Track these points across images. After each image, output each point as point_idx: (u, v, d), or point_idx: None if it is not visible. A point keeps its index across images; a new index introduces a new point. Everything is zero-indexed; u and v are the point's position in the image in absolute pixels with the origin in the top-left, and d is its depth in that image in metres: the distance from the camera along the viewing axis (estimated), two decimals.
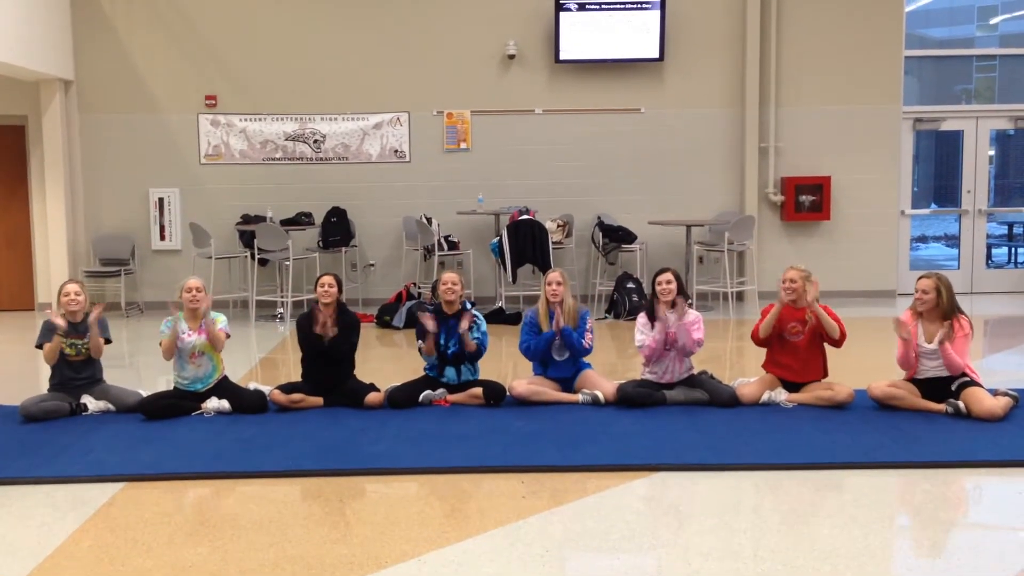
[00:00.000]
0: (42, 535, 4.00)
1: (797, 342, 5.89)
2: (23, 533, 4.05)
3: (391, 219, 10.68)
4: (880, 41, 10.67)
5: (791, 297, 5.85)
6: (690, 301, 6.48)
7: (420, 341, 6.06)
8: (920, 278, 5.73)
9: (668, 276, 5.98)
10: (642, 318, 6.07)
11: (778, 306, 5.87)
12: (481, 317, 6.15)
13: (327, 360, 6.00)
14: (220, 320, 5.97)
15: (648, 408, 5.85)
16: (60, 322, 5.76)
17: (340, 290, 6.10)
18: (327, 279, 6.05)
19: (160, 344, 5.90)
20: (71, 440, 5.31)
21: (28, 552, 3.82)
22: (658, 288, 5.98)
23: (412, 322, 9.12)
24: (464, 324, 5.95)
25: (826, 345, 5.91)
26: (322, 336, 5.94)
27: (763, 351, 6.10)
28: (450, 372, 6.08)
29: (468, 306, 6.16)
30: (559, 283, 6.09)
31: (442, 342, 6.04)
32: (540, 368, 6.23)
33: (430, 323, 5.96)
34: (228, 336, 5.99)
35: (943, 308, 5.62)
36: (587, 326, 6.15)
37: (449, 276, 6.14)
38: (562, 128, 10.72)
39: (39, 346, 5.89)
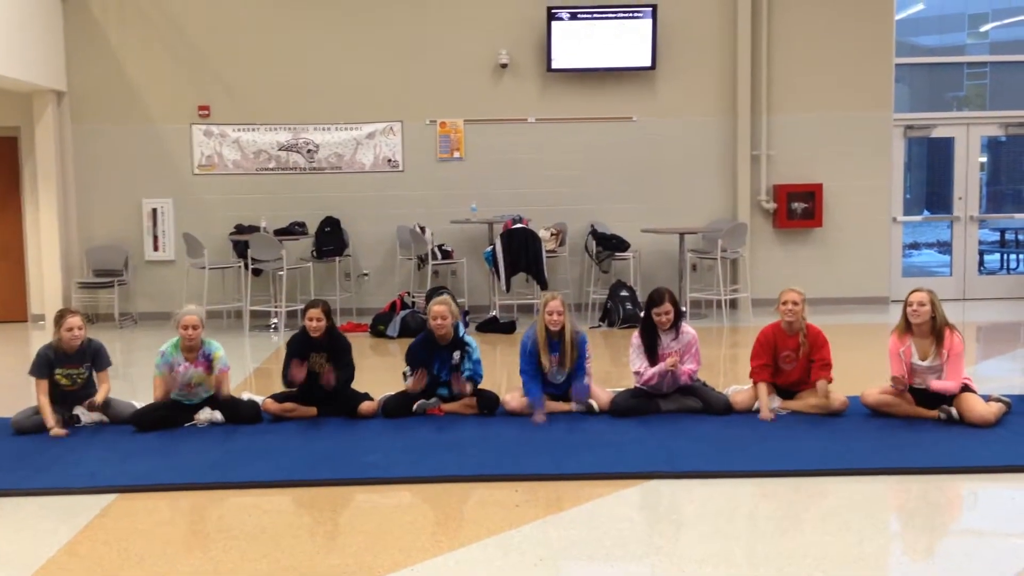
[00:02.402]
0: (35, 546, 3.98)
1: (789, 371, 5.91)
2: (16, 544, 4.04)
3: (385, 228, 10.68)
4: (871, 49, 10.72)
5: (790, 319, 5.85)
6: (683, 309, 6.47)
7: (409, 374, 6.04)
8: (913, 292, 5.73)
9: (667, 307, 5.89)
10: (636, 339, 6.02)
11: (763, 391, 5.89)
12: (474, 345, 6.06)
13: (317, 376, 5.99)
14: (218, 357, 5.85)
15: (642, 416, 5.85)
16: (60, 431, 5.64)
17: (329, 318, 6.03)
18: (315, 312, 5.93)
19: (154, 381, 5.84)
20: (64, 451, 5.30)
21: (21, 563, 3.80)
22: (657, 320, 5.91)
23: (407, 331, 9.12)
24: (457, 405, 5.97)
25: None
26: (313, 369, 5.93)
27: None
28: (442, 390, 6.07)
29: (462, 332, 6.07)
30: (560, 313, 5.95)
31: (435, 371, 6.01)
32: None
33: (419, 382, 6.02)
34: (228, 369, 5.92)
35: (935, 322, 5.62)
36: (587, 354, 6.07)
37: (438, 310, 5.95)
38: (555, 137, 10.74)
39: (32, 374, 5.82)
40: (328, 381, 5.90)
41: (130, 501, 4.54)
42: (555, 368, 6.00)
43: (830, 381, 5.83)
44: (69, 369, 5.81)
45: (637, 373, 5.98)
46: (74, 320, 5.81)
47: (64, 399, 5.84)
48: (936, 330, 5.62)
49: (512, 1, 10.58)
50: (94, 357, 5.92)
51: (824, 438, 5.31)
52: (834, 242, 10.90)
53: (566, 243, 10.49)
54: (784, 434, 5.42)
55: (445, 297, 6.16)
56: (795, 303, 5.83)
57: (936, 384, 5.58)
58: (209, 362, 5.84)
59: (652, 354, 5.94)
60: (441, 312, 5.94)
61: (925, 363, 5.66)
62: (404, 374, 6.09)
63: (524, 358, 6.01)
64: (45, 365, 5.77)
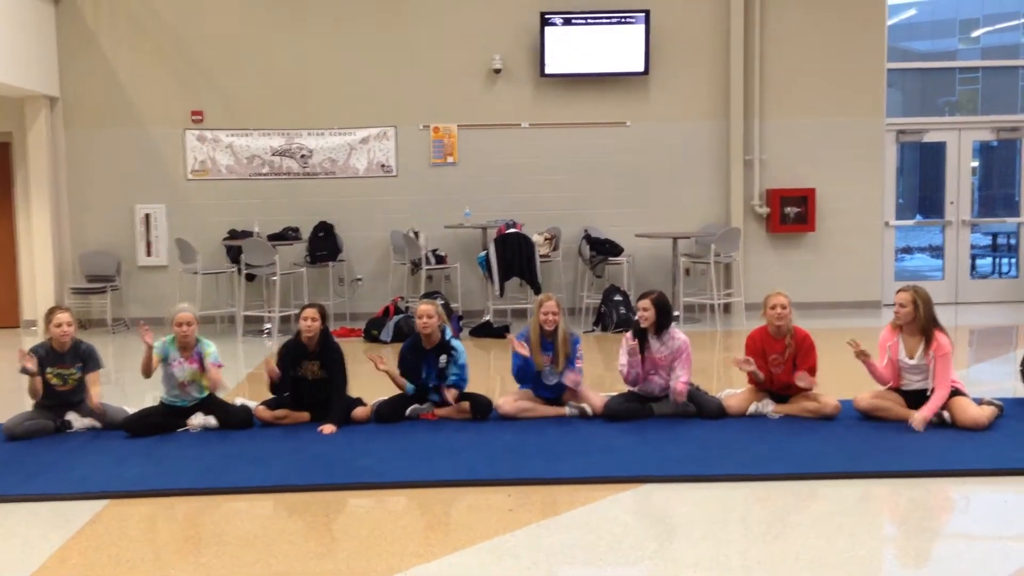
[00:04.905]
0: (26, 553, 3.97)
1: (779, 374, 5.92)
2: (6, 551, 4.02)
3: (378, 233, 10.68)
4: (863, 54, 10.76)
5: (779, 323, 5.86)
6: (676, 313, 6.47)
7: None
8: (898, 291, 5.75)
9: (645, 303, 5.94)
10: (629, 340, 6.05)
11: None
12: (460, 349, 6.04)
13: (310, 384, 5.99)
14: (210, 352, 5.86)
15: (635, 420, 5.85)
16: (31, 366, 5.64)
17: (324, 321, 6.03)
18: (310, 312, 5.94)
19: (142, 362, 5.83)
20: (55, 457, 5.28)
21: (11, 570, 3.79)
22: (638, 315, 5.97)
23: (400, 336, 9.12)
24: (450, 410, 5.96)
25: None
26: (306, 376, 5.91)
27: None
28: (435, 396, 6.06)
29: (448, 335, 6.05)
30: (555, 313, 5.99)
31: (423, 376, 6.01)
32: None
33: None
34: (221, 366, 5.92)
35: (921, 322, 5.64)
36: (578, 354, 6.08)
37: (424, 309, 5.97)
38: (548, 142, 10.75)
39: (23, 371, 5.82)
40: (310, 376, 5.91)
41: (122, 507, 4.52)
42: (548, 368, 6.00)
43: (812, 386, 5.84)
44: (60, 369, 5.81)
45: (620, 369, 6.02)
46: (63, 316, 5.82)
47: (56, 399, 5.83)
48: (924, 329, 5.64)
49: (506, 7, 10.60)
50: (85, 358, 5.91)
51: (817, 442, 5.32)
52: (827, 246, 10.93)
53: (560, 248, 10.50)
54: (777, 438, 5.43)
55: (432, 300, 6.22)
56: (783, 307, 5.84)
57: (926, 411, 5.52)
58: (202, 360, 5.84)
59: (640, 356, 5.96)
60: (426, 311, 5.95)
61: (912, 361, 5.67)
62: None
63: (517, 357, 6.03)
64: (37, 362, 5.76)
